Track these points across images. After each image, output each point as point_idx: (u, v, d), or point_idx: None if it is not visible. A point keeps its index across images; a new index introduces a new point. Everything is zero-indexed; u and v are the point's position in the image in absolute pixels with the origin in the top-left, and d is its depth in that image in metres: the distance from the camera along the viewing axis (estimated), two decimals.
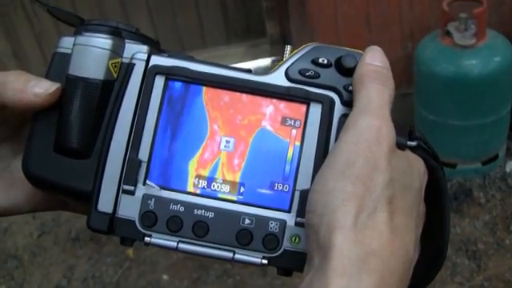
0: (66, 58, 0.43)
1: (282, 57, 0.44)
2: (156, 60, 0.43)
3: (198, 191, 0.41)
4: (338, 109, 0.42)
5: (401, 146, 0.40)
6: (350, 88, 0.41)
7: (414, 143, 0.41)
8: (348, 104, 0.41)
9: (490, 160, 2.19)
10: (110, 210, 0.41)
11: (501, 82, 2.02)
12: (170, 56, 0.43)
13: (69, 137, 0.42)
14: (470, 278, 1.89)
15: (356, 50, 0.43)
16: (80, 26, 0.43)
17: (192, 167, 0.42)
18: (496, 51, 1.99)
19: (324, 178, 0.37)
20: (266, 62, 2.64)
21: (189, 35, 2.71)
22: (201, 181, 0.42)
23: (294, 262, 0.40)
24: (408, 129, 0.42)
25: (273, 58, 2.64)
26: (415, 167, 0.40)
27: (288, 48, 0.44)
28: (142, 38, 0.44)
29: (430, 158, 0.42)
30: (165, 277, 2.02)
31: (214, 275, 1.99)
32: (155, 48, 0.44)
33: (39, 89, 0.41)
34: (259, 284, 1.96)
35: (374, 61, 0.41)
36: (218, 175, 0.42)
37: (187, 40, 2.71)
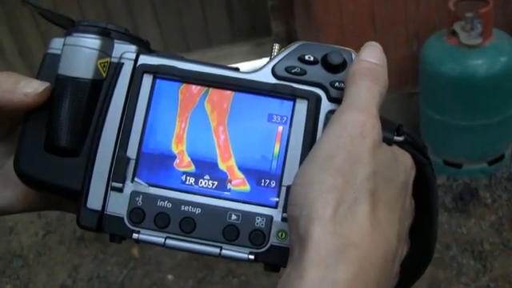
0: (56, 58, 0.43)
1: (271, 50, 0.44)
2: (144, 59, 0.43)
3: (186, 188, 0.42)
4: (325, 105, 0.42)
5: (387, 141, 0.40)
6: (337, 85, 0.42)
7: (400, 138, 0.41)
8: (335, 100, 0.42)
9: (496, 160, 2.19)
10: (99, 207, 0.42)
11: (507, 82, 2.01)
12: (158, 55, 0.44)
13: (58, 135, 0.43)
14: (476, 279, 1.89)
15: (344, 48, 0.43)
16: (71, 27, 0.44)
17: (180, 164, 0.42)
18: (502, 51, 1.99)
19: (305, 171, 0.37)
20: None
21: (194, 34, 2.70)
22: (188, 177, 0.42)
23: (280, 258, 0.40)
24: (395, 124, 0.42)
25: None
26: (401, 162, 0.40)
27: (276, 46, 0.44)
28: (131, 39, 0.45)
29: (417, 154, 0.42)
30: (169, 276, 2.03)
31: (218, 275, 1.99)
32: (145, 48, 0.45)
33: (29, 89, 0.42)
34: (264, 284, 1.96)
35: (368, 57, 0.41)
36: (205, 172, 0.42)
37: (192, 39, 2.71)
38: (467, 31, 1.95)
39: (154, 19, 2.63)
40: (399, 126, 0.41)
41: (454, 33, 1.96)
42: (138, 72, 0.43)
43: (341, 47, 0.43)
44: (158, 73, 0.43)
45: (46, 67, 0.44)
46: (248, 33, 2.71)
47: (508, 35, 2.04)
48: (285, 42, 2.60)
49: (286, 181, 0.41)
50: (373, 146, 0.37)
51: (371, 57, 0.41)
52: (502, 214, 2.07)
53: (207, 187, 0.42)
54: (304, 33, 2.34)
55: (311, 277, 0.33)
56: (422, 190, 0.43)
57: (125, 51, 0.44)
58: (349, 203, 0.35)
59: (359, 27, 2.18)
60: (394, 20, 2.18)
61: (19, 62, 2.61)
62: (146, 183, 0.42)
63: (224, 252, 0.41)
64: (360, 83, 0.39)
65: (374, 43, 0.42)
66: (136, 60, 0.43)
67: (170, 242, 0.41)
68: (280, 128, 0.42)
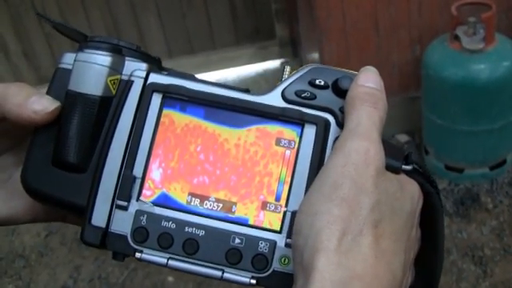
0: (67, 73, 0.43)
1: (286, 61, 0.44)
2: (154, 78, 0.43)
3: (190, 209, 0.42)
4: (334, 131, 0.42)
5: (395, 170, 0.40)
6: None
7: (409, 167, 0.41)
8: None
9: (497, 165, 2.18)
10: (103, 224, 0.42)
11: (509, 87, 2.00)
12: (168, 74, 0.44)
13: (66, 151, 0.43)
14: (476, 284, 1.88)
15: (355, 72, 0.43)
16: (83, 42, 0.44)
17: (186, 185, 0.42)
18: (505, 56, 1.98)
19: (311, 200, 0.37)
20: (274, 64, 2.64)
21: (198, 36, 2.71)
22: (193, 199, 0.42)
23: (282, 283, 0.40)
24: (405, 153, 0.42)
25: (282, 60, 2.64)
26: (408, 191, 0.40)
27: (287, 69, 0.44)
28: (142, 56, 0.44)
29: (425, 183, 0.42)
30: (170, 278, 2.03)
31: None
32: (156, 65, 0.45)
33: (39, 106, 0.42)
34: None
35: (366, 82, 0.41)
36: (211, 194, 0.42)
37: (196, 41, 2.72)
38: (470, 36, 1.94)
39: (159, 22, 2.64)
40: (408, 154, 0.41)
41: (456, 37, 1.96)
42: (147, 91, 0.43)
43: (352, 72, 0.42)
44: (167, 92, 0.43)
45: (57, 82, 0.44)
46: (252, 36, 2.72)
47: (511, 40, 2.04)
48: (288, 46, 2.61)
49: (292, 206, 0.41)
50: (376, 174, 0.37)
51: (368, 81, 0.41)
52: (503, 220, 2.06)
53: (212, 209, 0.42)
54: (307, 36, 2.35)
55: None
56: (429, 220, 0.43)
57: (135, 69, 0.43)
58: (354, 234, 0.35)
59: (362, 31, 2.18)
60: (396, 24, 2.18)
61: (24, 63, 2.62)
62: (151, 203, 0.42)
63: (226, 275, 0.41)
64: (360, 108, 0.39)
65: (370, 68, 0.42)
66: (146, 78, 0.43)
67: (172, 262, 0.41)
68: (288, 152, 0.42)
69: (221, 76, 2.62)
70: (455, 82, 1.97)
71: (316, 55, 2.26)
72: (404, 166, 0.41)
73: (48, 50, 2.63)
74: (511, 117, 2.08)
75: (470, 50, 1.94)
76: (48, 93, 0.44)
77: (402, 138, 2.42)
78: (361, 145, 0.37)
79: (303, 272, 0.35)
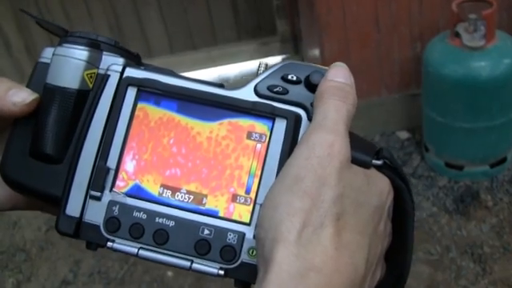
0: (46, 67, 0.44)
1: (288, 57, 0.44)
2: (130, 72, 0.44)
3: (162, 200, 0.42)
4: (305, 125, 0.42)
5: (365, 164, 0.40)
6: None
7: (379, 162, 0.41)
8: None
9: (498, 163, 2.17)
10: (77, 214, 0.43)
11: (510, 84, 2.00)
12: (145, 69, 0.45)
13: (43, 142, 0.43)
14: (475, 282, 1.88)
15: (328, 68, 0.43)
16: (63, 36, 0.45)
17: (158, 177, 0.43)
18: (505, 53, 1.97)
19: (273, 193, 0.38)
20: (276, 60, 2.64)
21: (199, 32, 2.71)
22: (165, 190, 0.43)
23: (251, 275, 0.41)
24: (375, 147, 0.42)
25: (283, 55, 2.63)
26: (376, 185, 0.40)
27: (262, 64, 0.45)
28: (120, 51, 0.45)
29: (396, 178, 0.42)
30: (169, 273, 2.04)
31: None
32: (135, 61, 0.46)
33: (18, 98, 0.43)
34: None
35: (335, 77, 0.41)
36: (183, 186, 0.43)
37: (197, 37, 2.72)
38: (470, 33, 1.94)
39: (160, 17, 2.64)
40: (380, 149, 0.42)
41: (457, 34, 1.95)
42: (122, 84, 0.44)
43: (325, 67, 0.43)
44: (142, 86, 0.43)
45: (37, 76, 0.45)
46: (253, 32, 2.72)
47: (511, 37, 2.03)
48: (290, 42, 2.60)
49: (261, 199, 0.41)
50: (340, 167, 0.37)
51: (338, 76, 0.41)
52: (502, 217, 2.06)
53: (183, 201, 0.42)
54: (308, 32, 2.34)
55: None
56: (399, 215, 0.43)
57: (112, 63, 0.44)
58: (314, 226, 0.35)
59: (362, 28, 2.18)
60: (397, 21, 2.17)
61: (26, 58, 2.63)
62: (124, 194, 0.43)
63: (194, 266, 0.41)
64: (327, 102, 0.40)
65: (340, 63, 0.42)
66: (122, 72, 0.44)
67: (142, 252, 0.42)
68: (259, 146, 0.42)
69: (222, 72, 2.61)
70: (456, 79, 1.97)
71: (317, 51, 2.26)
72: (374, 161, 0.41)
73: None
74: (511, 114, 2.07)
75: (470, 47, 1.94)
76: (28, 86, 0.45)
77: (403, 135, 2.42)
78: (325, 138, 0.38)
79: (264, 263, 0.35)
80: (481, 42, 1.93)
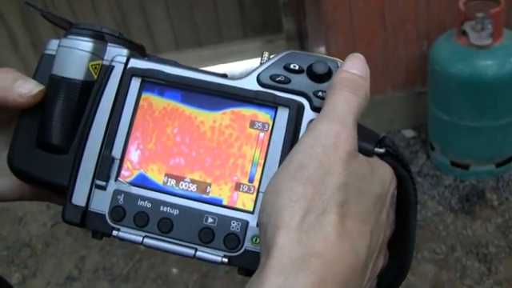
0: (52, 59, 0.45)
1: (261, 58, 0.45)
2: (134, 63, 0.45)
3: (166, 189, 0.43)
4: (308, 114, 0.43)
5: (367, 152, 0.40)
6: (320, 94, 0.42)
7: (381, 150, 0.41)
8: (318, 110, 0.42)
9: (504, 162, 2.16)
10: (83, 203, 0.43)
11: None
12: (149, 60, 0.45)
13: (49, 133, 0.44)
14: (480, 282, 1.87)
15: (331, 58, 0.43)
16: (68, 29, 0.46)
17: (162, 166, 0.43)
18: None
19: (276, 179, 0.38)
20: None
21: (205, 30, 2.71)
22: (170, 179, 0.43)
23: (254, 263, 0.40)
24: (378, 136, 0.42)
25: None
26: (379, 174, 0.40)
27: (266, 54, 0.45)
28: (124, 42, 0.46)
29: (399, 166, 0.42)
30: (174, 270, 2.04)
31: (222, 270, 2.00)
32: (139, 52, 0.47)
33: (24, 89, 0.44)
34: None
35: (351, 68, 0.41)
36: (187, 175, 0.43)
37: (204, 34, 2.72)
38: (477, 31, 1.93)
39: (166, 14, 2.64)
40: (382, 137, 0.42)
41: (464, 33, 1.95)
42: (127, 75, 0.44)
43: (328, 57, 0.43)
44: (146, 76, 0.44)
45: (43, 67, 0.46)
46: (259, 29, 2.71)
47: None
48: (296, 40, 2.60)
49: (263, 187, 0.41)
50: (346, 157, 0.37)
51: (354, 68, 0.41)
52: (508, 217, 2.05)
53: (187, 190, 0.43)
54: (314, 30, 2.34)
55: (271, 284, 0.33)
56: (402, 203, 0.44)
57: (116, 54, 0.45)
58: (317, 213, 0.35)
59: (369, 26, 2.17)
60: (404, 19, 2.17)
61: (32, 54, 2.64)
62: (129, 183, 0.43)
63: (198, 254, 0.42)
64: (339, 93, 0.40)
65: (358, 55, 0.42)
66: (126, 63, 0.45)
67: (147, 241, 0.42)
68: (261, 134, 0.43)
69: (227, 69, 2.61)
70: (462, 77, 1.96)
71: (323, 49, 2.25)
72: (377, 149, 0.41)
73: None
74: None
75: (477, 46, 1.93)
76: (34, 77, 0.46)
77: (408, 133, 2.41)
78: (332, 128, 0.38)
79: (266, 249, 0.36)
80: (488, 41, 1.92)
